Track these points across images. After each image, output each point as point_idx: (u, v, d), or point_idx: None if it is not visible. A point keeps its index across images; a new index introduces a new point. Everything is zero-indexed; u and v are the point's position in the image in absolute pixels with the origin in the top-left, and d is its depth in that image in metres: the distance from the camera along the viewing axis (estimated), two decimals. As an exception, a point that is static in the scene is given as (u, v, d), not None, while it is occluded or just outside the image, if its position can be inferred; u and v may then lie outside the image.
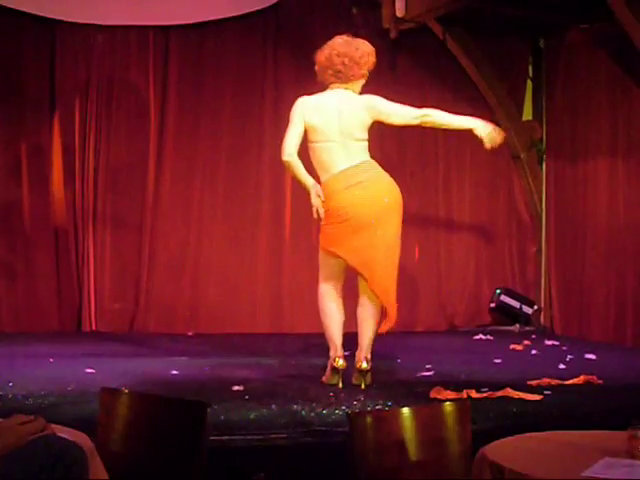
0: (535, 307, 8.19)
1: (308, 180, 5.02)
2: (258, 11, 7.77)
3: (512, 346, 6.86)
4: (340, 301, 5.13)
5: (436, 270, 8.30)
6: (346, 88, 5.11)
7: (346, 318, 5.14)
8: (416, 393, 4.77)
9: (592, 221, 7.71)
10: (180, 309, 7.84)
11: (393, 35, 7.69)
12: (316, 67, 5.17)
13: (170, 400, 3.18)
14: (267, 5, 7.75)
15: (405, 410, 2.85)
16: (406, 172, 7.93)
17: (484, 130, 5.12)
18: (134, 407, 2.95)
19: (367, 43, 5.19)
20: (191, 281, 7.87)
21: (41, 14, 7.39)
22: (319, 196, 4.99)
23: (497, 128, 5.21)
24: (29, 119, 7.64)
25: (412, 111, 5.11)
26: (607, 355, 6.44)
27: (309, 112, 5.05)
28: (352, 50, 5.10)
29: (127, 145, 7.83)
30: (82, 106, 7.72)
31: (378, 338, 5.12)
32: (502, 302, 8.16)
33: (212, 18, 7.70)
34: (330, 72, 5.10)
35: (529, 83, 8.41)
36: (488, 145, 5.12)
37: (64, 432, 2.56)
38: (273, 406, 4.39)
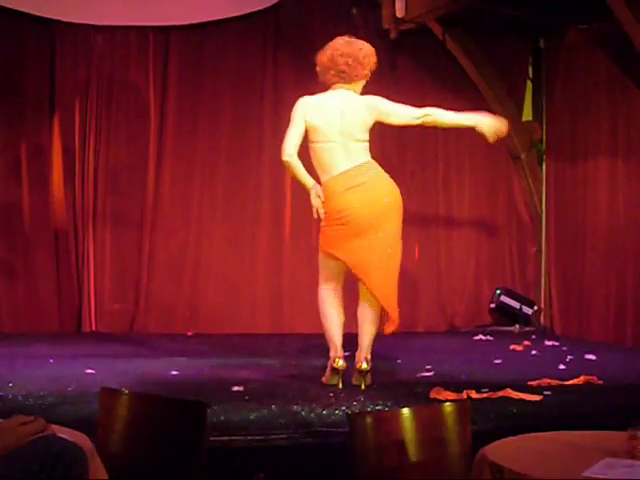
0: (535, 307, 8.19)
1: (308, 180, 5.01)
2: (258, 12, 7.77)
3: (512, 346, 6.86)
4: (340, 302, 5.12)
5: (436, 270, 8.30)
6: (348, 89, 5.11)
7: (346, 319, 5.13)
8: (416, 394, 4.77)
9: (592, 221, 7.71)
10: (180, 309, 7.84)
11: (393, 35, 7.70)
12: (318, 68, 5.16)
13: (170, 400, 3.17)
14: (267, 5, 7.75)
15: (405, 410, 2.85)
16: (406, 172, 7.93)
17: (487, 127, 5.12)
18: (134, 407, 2.95)
19: (368, 44, 5.20)
20: (191, 281, 7.87)
21: (41, 14, 7.39)
22: (319, 196, 4.98)
23: (500, 119, 5.21)
24: (29, 119, 7.64)
25: (414, 111, 5.10)
26: (607, 355, 6.44)
27: (310, 112, 5.04)
28: (356, 50, 5.10)
29: (127, 145, 7.83)
30: (82, 106, 7.72)
31: (378, 339, 5.12)
32: (502, 302, 8.16)
33: (212, 18, 7.70)
34: (333, 72, 5.09)
35: (529, 83, 8.41)
36: (493, 140, 5.15)
37: (64, 432, 2.56)
38: (273, 406, 4.39)
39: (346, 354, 5.08)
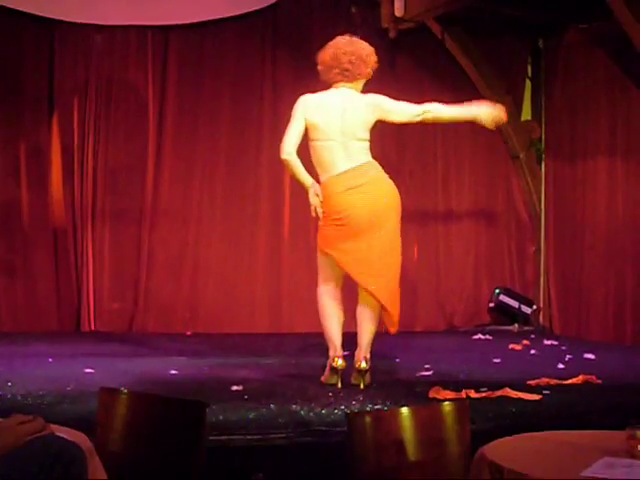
0: (534, 307, 8.19)
1: (307, 179, 5.00)
2: (257, 11, 7.77)
3: (511, 346, 6.86)
4: (339, 302, 5.11)
5: (435, 270, 8.30)
6: (350, 87, 5.10)
7: (346, 318, 5.13)
8: (415, 393, 4.77)
9: (591, 221, 7.71)
10: (179, 309, 7.84)
11: (392, 35, 7.70)
12: (320, 67, 5.14)
13: (169, 400, 3.17)
14: (266, 5, 7.75)
15: (404, 410, 2.85)
16: (405, 171, 7.93)
17: (486, 117, 5.15)
18: (133, 407, 2.95)
19: (367, 44, 5.19)
20: (190, 281, 7.88)
21: (40, 14, 7.40)
22: (317, 195, 4.98)
23: (498, 106, 5.23)
24: (28, 119, 7.64)
25: (414, 109, 5.10)
26: (606, 355, 6.44)
27: (311, 110, 5.03)
28: (358, 49, 5.10)
29: (126, 145, 7.83)
30: (81, 106, 7.72)
31: (377, 338, 5.12)
32: (501, 302, 8.16)
33: (211, 18, 7.70)
34: (336, 71, 5.08)
35: (528, 83, 8.41)
36: (493, 127, 5.20)
37: (63, 432, 2.56)
38: (272, 406, 4.39)
39: (345, 353, 5.07)
